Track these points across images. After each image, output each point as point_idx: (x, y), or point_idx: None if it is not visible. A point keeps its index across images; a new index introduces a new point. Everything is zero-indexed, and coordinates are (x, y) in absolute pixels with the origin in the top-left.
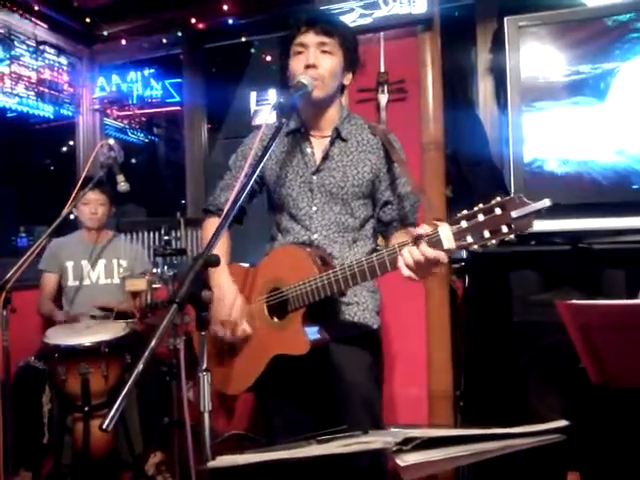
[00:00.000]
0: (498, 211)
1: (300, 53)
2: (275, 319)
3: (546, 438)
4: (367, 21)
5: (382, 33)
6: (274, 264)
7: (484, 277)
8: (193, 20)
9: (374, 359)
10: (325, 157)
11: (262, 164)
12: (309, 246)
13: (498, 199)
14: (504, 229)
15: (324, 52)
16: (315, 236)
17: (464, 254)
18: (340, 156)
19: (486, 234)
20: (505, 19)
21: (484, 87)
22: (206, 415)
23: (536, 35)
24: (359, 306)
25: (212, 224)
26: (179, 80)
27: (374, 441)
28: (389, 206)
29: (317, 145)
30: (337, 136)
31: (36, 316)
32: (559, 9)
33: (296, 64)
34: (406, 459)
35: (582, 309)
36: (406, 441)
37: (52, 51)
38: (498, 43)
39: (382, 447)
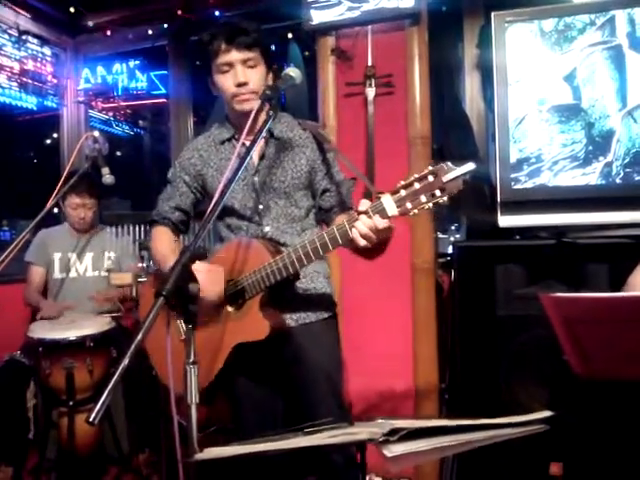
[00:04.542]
0: (431, 178)
1: (227, 72)
2: (233, 309)
3: (530, 428)
4: (355, 14)
5: (370, 27)
6: (227, 258)
7: (470, 271)
8: (179, 12)
9: (334, 340)
10: (262, 157)
11: (247, 159)
12: (262, 239)
13: (430, 168)
14: (437, 193)
15: (250, 67)
16: (267, 229)
17: (450, 249)
18: (276, 154)
19: (423, 199)
20: (492, 14)
21: (471, 82)
22: (193, 408)
23: (523, 30)
24: (317, 291)
25: (159, 232)
26: (165, 72)
27: (361, 432)
28: (327, 193)
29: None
30: (270, 136)
31: (21, 310)
32: (546, 5)
33: (226, 82)
34: (393, 450)
35: (565, 302)
36: (393, 432)
37: (35, 41)
38: (485, 38)
39: (369, 438)
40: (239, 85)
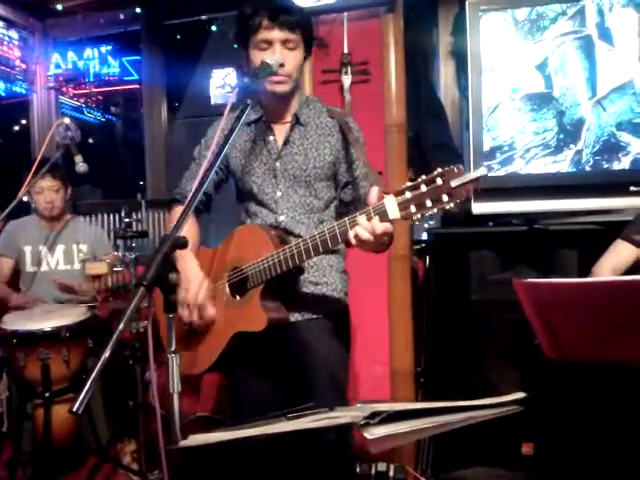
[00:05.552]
0: (439, 181)
1: (264, 49)
2: (236, 297)
3: (505, 409)
4: (331, 1)
5: (345, 14)
6: (235, 244)
7: (444, 257)
8: None
9: (341, 337)
10: (285, 142)
11: (225, 149)
12: (275, 228)
13: (439, 170)
14: (444, 198)
15: (289, 49)
16: (282, 218)
17: (425, 235)
18: (300, 140)
19: (428, 203)
20: (466, 2)
21: (445, 70)
22: (175, 396)
23: (497, 19)
24: (328, 286)
25: (179, 212)
26: (138, 57)
27: (342, 416)
28: (349, 186)
29: (278, 132)
30: (296, 122)
31: None
32: None
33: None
34: (373, 432)
35: (537, 287)
36: (373, 415)
37: (0, 24)
38: (459, 26)
39: (350, 422)
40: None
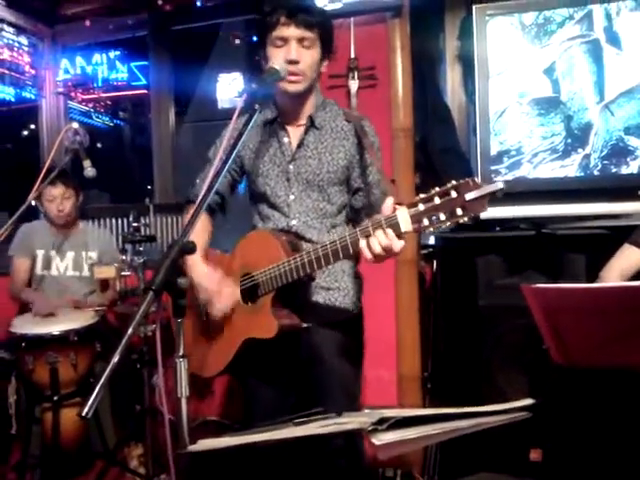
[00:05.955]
0: (453, 194)
1: (280, 46)
2: (248, 303)
3: (514, 416)
4: (337, 6)
5: (352, 19)
6: (246, 249)
7: (451, 262)
8: (160, 1)
9: (354, 344)
10: (300, 145)
11: (236, 150)
12: (287, 232)
13: (453, 182)
14: (459, 211)
15: (305, 47)
16: (293, 222)
17: (432, 240)
18: (315, 144)
19: (442, 216)
20: (473, 7)
21: (452, 75)
22: (183, 401)
23: (504, 23)
24: (340, 291)
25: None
26: (145, 63)
27: (350, 422)
28: (360, 193)
29: (293, 134)
30: (311, 124)
31: (1, 305)
32: None
33: (277, 57)
34: (381, 438)
35: (545, 292)
36: (381, 421)
37: (11, 30)
38: (466, 31)
39: (358, 427)
40: (290, 62)
